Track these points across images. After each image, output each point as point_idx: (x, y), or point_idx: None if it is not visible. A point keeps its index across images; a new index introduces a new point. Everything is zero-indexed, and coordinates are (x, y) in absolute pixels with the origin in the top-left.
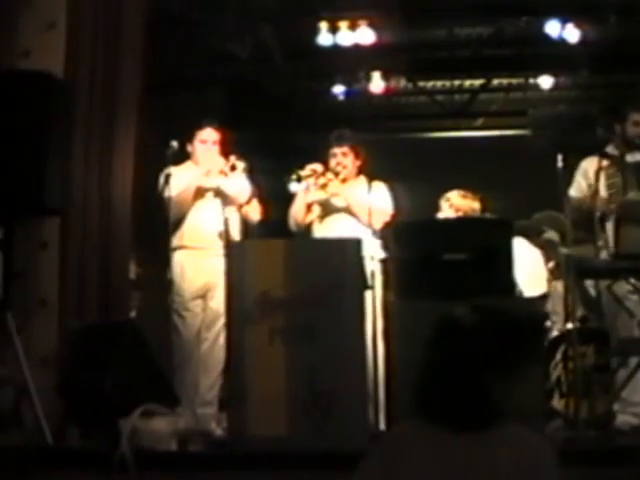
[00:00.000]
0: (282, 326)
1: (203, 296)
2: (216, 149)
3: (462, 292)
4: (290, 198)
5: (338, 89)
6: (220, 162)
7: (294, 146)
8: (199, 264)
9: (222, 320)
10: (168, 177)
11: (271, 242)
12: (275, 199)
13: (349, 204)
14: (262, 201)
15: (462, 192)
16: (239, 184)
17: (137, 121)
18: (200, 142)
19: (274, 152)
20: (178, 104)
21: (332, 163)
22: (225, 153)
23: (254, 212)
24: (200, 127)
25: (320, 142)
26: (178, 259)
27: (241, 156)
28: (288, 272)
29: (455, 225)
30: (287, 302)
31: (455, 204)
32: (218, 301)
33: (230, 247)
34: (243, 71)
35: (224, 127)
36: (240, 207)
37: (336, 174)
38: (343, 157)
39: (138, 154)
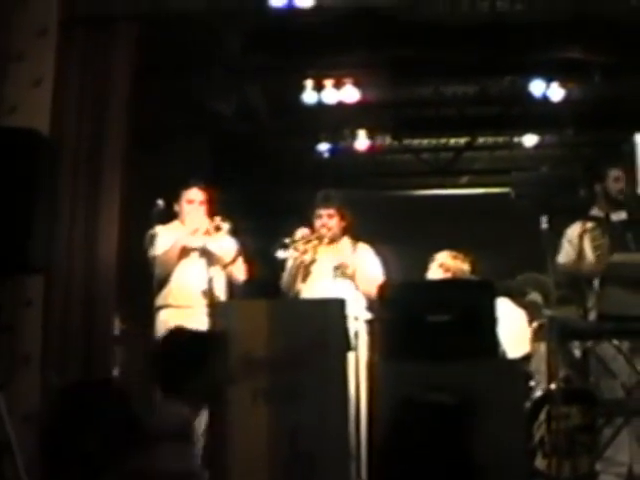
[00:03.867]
0: (264, 386)
1: None
2: (203, 209)
3: (446, 353)
4: (275, 260)
5: (323, 147)
6: (206, 222)
7: (280, 205)
8: (184, 323)
9: None
10: (153, 236)
11: (254, 302)
12: (260, 259)
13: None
14: (247, 261)
15: (453, 253)
16: (225, 244)
17: (123, 179)
18: (187, 202)
19: (260, 211)
20: (164, 161)
21: (317, 224)
22: (211, 213)
23: (239, 272)
24: (187, 187)
25: (306, 200)
26: (163, 318)
27: (226, 216)
28: (271, 332)
29: (438, 287)
30: (270, 362)
31: (445, 264)
32: None
33: (214, 307)
34: (228, 128)
35: (210, 186)
36: (225, 266)
37: (321, 238)
38: (329, 219)
39: (124, 212)
